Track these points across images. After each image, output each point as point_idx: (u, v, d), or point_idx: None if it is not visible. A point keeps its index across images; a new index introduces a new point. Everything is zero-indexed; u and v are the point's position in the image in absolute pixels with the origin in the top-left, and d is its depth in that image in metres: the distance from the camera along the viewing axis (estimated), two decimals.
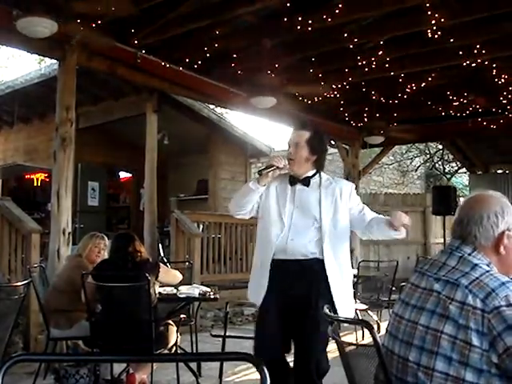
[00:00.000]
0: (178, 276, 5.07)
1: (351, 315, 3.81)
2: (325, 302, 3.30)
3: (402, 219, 3.53)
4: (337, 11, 5.75)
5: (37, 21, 5.43)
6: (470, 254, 2.17)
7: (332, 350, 6.42)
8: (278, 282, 3.61)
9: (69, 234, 6.24)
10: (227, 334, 5.26)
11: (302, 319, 3.58)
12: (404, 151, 18.78)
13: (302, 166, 3.71)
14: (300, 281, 3.59)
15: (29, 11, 5.38)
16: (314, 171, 3.76)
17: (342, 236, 3.72)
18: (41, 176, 13.16)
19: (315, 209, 3.65)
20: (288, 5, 5.72)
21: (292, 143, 3.73)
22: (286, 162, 3.63)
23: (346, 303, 3.69)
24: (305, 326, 3.59)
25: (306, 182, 3.72)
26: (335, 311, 3.46)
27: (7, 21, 5.47)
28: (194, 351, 5.73)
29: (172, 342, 4.86)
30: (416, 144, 17.45)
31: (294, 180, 3.74)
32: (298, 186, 3.72)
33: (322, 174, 3.80)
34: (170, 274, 5.03)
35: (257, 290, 3.70)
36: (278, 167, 3.60)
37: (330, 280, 3.57)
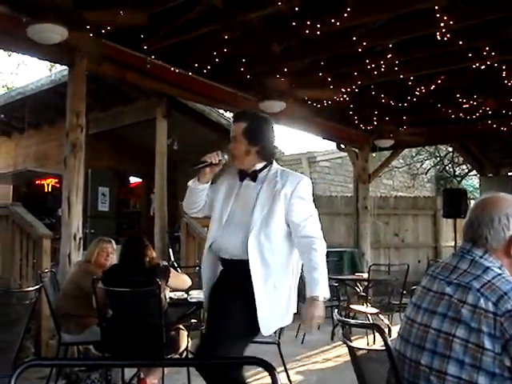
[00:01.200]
0: (187, 281, 5.07)
1: (267, 331, 3.31)
2: (242, 306, 3.22)
3: (309, 322, 3.22)
4: (345, 15, 5.75)
5: (47, 27, 5.46)
6: (481, 257, 2.17)
7: (343, 354, 6.41)
8: (221, 280, 3.48)
9: (79, 239, 6.26)
10: None
11: (216, 317, 3.37)
12: (414, 154, 18.71)
13: (245, 160, 3.43)
14: (226, 281, 3.41)
15: (39, 18, 5.41)
16: (263, 163, 3.46)
17: (276, 237, 3.31)
18: (51, 181, 13.22)
19: (252, 205, 3.33)
20: (296, 9, 5.72)
21: (231, 137, 3.47)
22: (222, 157, 3.40)
23: (269, 312, 3.26)
24: (215, 325, 3.33)
25: (253, 176, 3.44)
26: (253, 317, 3.18)
27: (18, 27, 5.50)
28: None
29: (183, 346, 4.86)
30: (426, 147, 17.39)
31: (242, 175, 3.48)
32: (245, 182, 3.46)
33: (272, 166, 3.49)
34: (179, 279, 5.03)
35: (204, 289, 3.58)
36: (211, 163, 3.38)
37: (254, 285, 3.20)
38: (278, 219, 3.31)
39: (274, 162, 3.52)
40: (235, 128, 3.44)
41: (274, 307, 3.30)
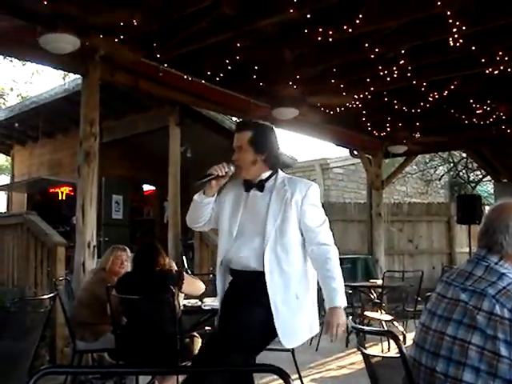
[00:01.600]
0: (201, 286, 5.06)
1: (297, 343, 3.31)
2: (255, 315, 3.15)
3: (334, 330, 3.13)
4: (357, 21, 5.74)
5: (59, 37, 5.51)
6: (496, 264, 2.15)
7: (358, 361, 6.39)
8: (231, 292, 3.40)
9: (94, 247, 6.28)
10: None
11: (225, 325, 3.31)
12: (427, 160, 18.64)
13: (251, 170, 3.35)
14: (236, 292, 3.34)
15: (52, 28, 5.45)
16: (269, 172, 3.39)
17: (292, 247, 3.25)
18: (65, 190, 13.28)
19: (263, 216, 3.26)
20: (308, 16, 5.73)
21: (235, 147, 3.37)
22: (228, 169, 3.30)
23: (290, 326, 3.19)
24: (226, 330, 3.24)
25: (260, 186, 3.35)
26: (273, 332, 3.13)
27: (31, 37, 5.55)
28: None
29: None
30: (439, 153, 17.33)
31: (248, 185, 3.39)
32: (252, 192, 3.38)
33: (279, 174, 3.41)
34: (193, 285, 5.02)
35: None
36: (218, 175, 3.27)
37: (270, 297, 3.13)
38: (293, 228, 3.24)
39: (280, 171, 3.46)
40: (240, 137, 3.35)
41: (299, 318, 3.24)
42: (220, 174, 3.27)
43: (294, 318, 3.19)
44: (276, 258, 3.18)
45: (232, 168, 3.32)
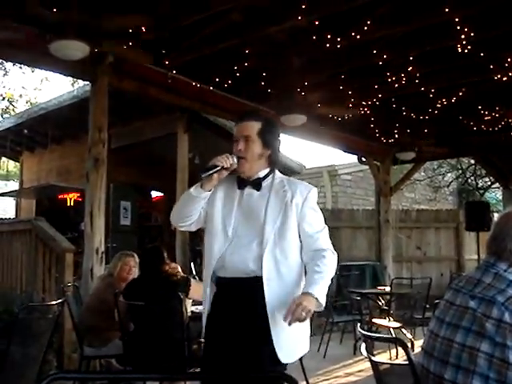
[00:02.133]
0: None
1: (294, 357, 2.98)
2: (259, 332, 2.83)
3: (297, 311, 2.72)
4: (365, 28, 5.75)
5: (69, 44, 5.53)
6: (505, 271, 2.15)
7: (366, 368, 6.35)
8: (219, 305, 3.01)
9: (102, 253, 6.29)
10: None
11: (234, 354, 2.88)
12: (436, 167, 18.60)
13: (255, 165, 3.05)
14: (237, 304, 2.93)
15: (62, 34, 5.48)
16: (268, 170, 3.10)
17: (292, 251, 2.98)
18: (74, 196, 13.32)
19: (261, 217, 2.96)
20: (317, 23, 5.74)
21: (241, 137, 3.05)
22: (233, 160, 2.99)
23: (289, 337, 2.89)
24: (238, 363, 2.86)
25: (257, 184, 3.05)
26: (270, 348, 2.81)
27: (41, 44, 5.58)
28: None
29: None
30: (448, 159, 17.29)
31: (242, 182, 3.07)
32: (247, 190, 3.06)
33: (276, 174, 3.13)
34: (200, 291, 5.00)
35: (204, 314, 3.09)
36: (223, 167, 2.95)
37: (267, 304, 2.83)
38: (293, 231, 2.98)
39: (277, 171, 3.17)
40: (248, 127, 3.05)
41: (296, 331, 2.91)
42: (225, 166, 2.96)
43: (294, 330, 2.85)
44: (275, 263, 2.91)
45: (235, 160, 3.01)
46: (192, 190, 3.05)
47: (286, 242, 2.95)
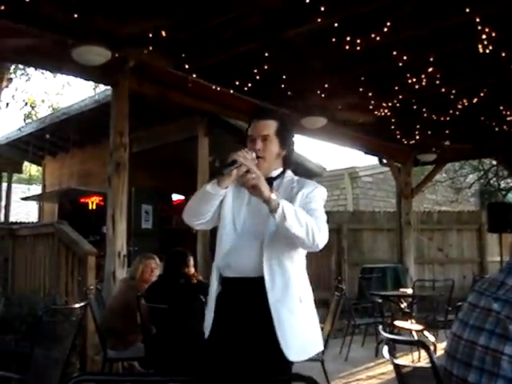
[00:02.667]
0: None
1: (307, 354, 2.88)
2: (263, 331, 2.76)
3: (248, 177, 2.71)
4: (385, 30, 5.73)
5: (91, 49, 5.59)
6: None
7: (388, 371, 6.31)
8: (224, 304, 2.95)
9: (124, 256, 6.33)
10: None
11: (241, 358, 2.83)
12: (457, 168, 18.46)
13: (272, 164, 3.00)
14: (242, 303, 2.88)
15: (83, 40, 5.54)
16: (280, 170, 3.05)
17: (295, 250, 2.90)
18: (95, 199, 13.42)
19: (266, 215, 2.81)
20: (336, 25, 5.73)
21: (259, 136, 2.98)
22: (253, 156, 2.86)
23: (296, 334, 2.80)
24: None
25: (268, 184, 2.84)
26: (277, 349, 2.72)
27: (63, 50, 5.64)
28: None
29: None
30: (469, 160, 17.16)
31: None
32: None
33: (287, 173, 3.07)
34: None
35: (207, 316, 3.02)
36: (242, 164, 2.79)
37: (271, 303, 2.77)
38: None
39: (288, 170, 3.11)
40: (267, 126, 2.99)
41: (306, 325, 2.87)
42: (245, 163, 2.82)
43: (301, 325, 2.83)
44: (276, 251, 2.84)
45: (254, 155, 2.89)
46: (209, 187, 2.92)
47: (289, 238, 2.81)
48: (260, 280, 2.80)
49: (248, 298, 2.87)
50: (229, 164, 2.80)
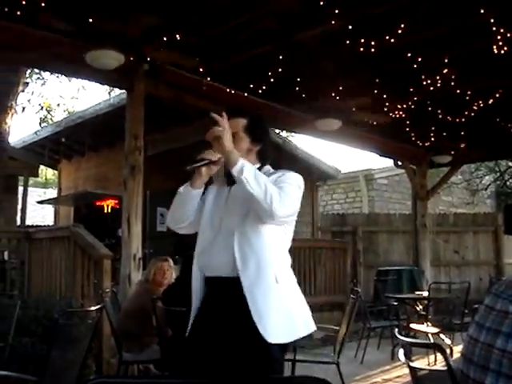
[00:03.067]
0: None
1: (287, 337, 2.81)
2: (242, 322, 2.73)
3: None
4: (399, 31, 5.72)
5: (105, 53, 5.63)
6: None
7: (404, 374, 6.28)
8: (206, 305, 2.95)
9: (139, 259, 6.35)
10: (296, 357, 5.23)
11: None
12: (473, 170, 18.38)
13: None
14: (221, 303, 2.87)
15: (98, 44, 5.57)
16: (258, 166, 3.00)
17: (264, 227, 2.85)
18: (111, 203, 13.46)
19: (241, 208, 2.86)
20: (350, 27, 5.73)
21: None
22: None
23: (272, 318, 2.73)
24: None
25: None
26: (256, 333, 2.67)
27: (77, 54, 5.68)
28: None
29: None
30: (485, 162, 17.06)
31: (231, 179, 2.89)
32: (234, 187, 2.94)
33: (265, 168, 3.05)
34: None
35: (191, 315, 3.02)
36: (211, 161, 2.85)
37: (245, 287, 2.75)
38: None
39: (267, 166, 3.10)
40: (234, 124, 2.91)
41: (284, 306, 2.81)
42: (213, 159, 2.88)
43: (279, 306, 2.77)
44: (247, 240, 2.82)
45: None
46: (181, 188, 3.00)
47: (259, 225, 2.84)
48: (237, 278, 2.77)
49: (227, 297, 2.85)
50: (195, 161, 2.87)
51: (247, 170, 2.69)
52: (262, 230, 2.86)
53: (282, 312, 2.78)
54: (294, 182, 2.90)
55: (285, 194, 2.77)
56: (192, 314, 3.01)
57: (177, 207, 3.07)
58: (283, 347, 2.82)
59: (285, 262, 2.96)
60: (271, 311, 2.74)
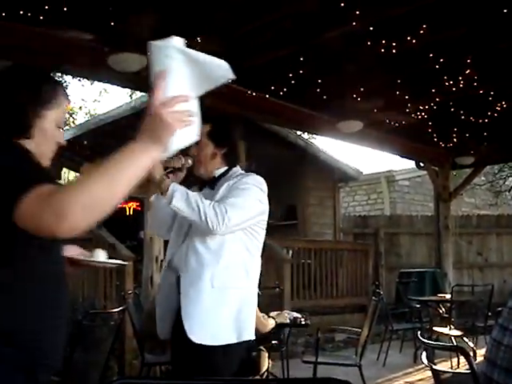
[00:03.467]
0: (268, 327, 4.81)
1: (210, 340, 2.90)
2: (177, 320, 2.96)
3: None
4: (421, 32, 5.69)
5: (127, 56, 5.64)
6: None
7: (426, 377, 6.26)
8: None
9: (161, 261, 6.37)
10: (318, 360, 5.22)
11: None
12: (496, 171, 18.21)
13: (210, 165, 3.13)
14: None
15: (120, 47, 5.60)
16: (225, 169, 3.15)
17: (211, 238, 2.93)
18: (133, 205, 13.55)
19: None
20: (371, 28, 5.70)
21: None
22: (186, 161, 2.97)
23: (196, 318, 2.89)
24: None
25: (211, 183, 3.10)
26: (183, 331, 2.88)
27: (99, 57, 5.71)
28: (286, 377, 5.72)
29: (264, 368, 4.84)
30: (509, 163, 16.90)
31: (202, 183, 3.16)
32: (204, 190, 3.12)
33: (233, 170, 3.18)
34: (261, 324, 4.80)
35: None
36: (175, 168, 2.93)
37: (182, 287, 2.93)
38: None
39: (237, 167, 3.23)
40: None
41: (213, 310, 2.91)
42: (176, 166, 2.94)
43: (207, 308, 2.89)
44: (193, 243, 2.96)
45: (190, 161, 3.01)
46: (152, 198, 3.10)
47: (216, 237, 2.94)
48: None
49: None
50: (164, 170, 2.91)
51: (176, 198, 2.79)
52: (208, 240, 2.94)
53: (210, 315, 2.90)
54: (246, 187, 3.00)
55: (229, 206, 2.84)
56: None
57: (152, 216, 3.23)
58: (227, 350, 2.94)
59: (231, 271, 2.99)
60: (200, 312, 2.89)
